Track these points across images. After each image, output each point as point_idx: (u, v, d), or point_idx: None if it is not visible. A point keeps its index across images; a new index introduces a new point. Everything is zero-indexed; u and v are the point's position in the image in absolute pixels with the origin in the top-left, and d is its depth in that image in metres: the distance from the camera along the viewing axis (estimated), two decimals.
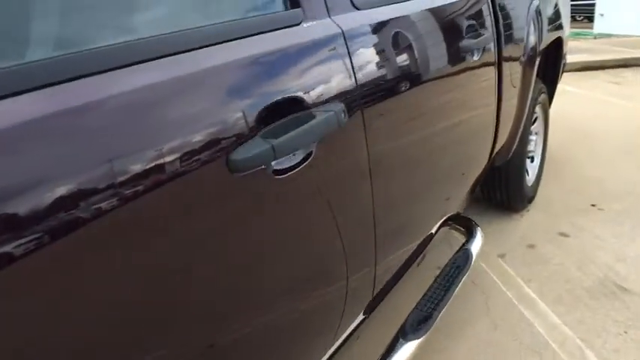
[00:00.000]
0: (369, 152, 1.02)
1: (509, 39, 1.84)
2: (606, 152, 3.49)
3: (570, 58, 6.69)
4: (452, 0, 1.45)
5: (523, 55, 2.00)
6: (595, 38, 8.82)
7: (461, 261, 1.65)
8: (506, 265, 2.25)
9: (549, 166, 3.10)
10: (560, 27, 2.57)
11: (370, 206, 1.07)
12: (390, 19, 1.17)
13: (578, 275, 2.14)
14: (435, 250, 1.85)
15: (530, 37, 2.06)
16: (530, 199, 2.70)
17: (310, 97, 0.84)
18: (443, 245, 2.16)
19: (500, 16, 1.73)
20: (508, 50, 1.82)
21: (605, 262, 2.23)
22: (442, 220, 1.78)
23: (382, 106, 1.09)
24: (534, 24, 2.12)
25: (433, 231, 1.74)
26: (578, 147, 3.62)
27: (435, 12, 1.36)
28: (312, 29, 0.91)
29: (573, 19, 12.66)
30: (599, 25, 9.12)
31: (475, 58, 1.52)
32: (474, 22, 1.54)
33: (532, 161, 2.75)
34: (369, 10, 1.10)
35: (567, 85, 5.32)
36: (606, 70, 6.32)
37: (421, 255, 1.67)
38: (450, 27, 1.44)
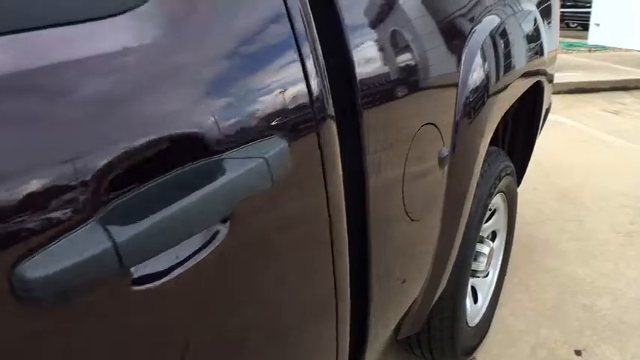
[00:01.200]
0: None
1: (394, 92, 0.75)
2: (602, 233, 2.43)
3: (561, 77, 5.64)
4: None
5: (450, 126, 0.91)
6: (590, 51, 7.81)
7: None
8: None
9: (516, 259, 2.05)
10: (540, 65, 1.48)
11: None
12: None
13: None
14: None
15: (471, 86, 0.97)
16: (473, 349, 1.62)
17: None
18: None
19: (351, 46, 0.63)
20: (388, 119, 0.73)
21: None
22: None
23: None
24: (486, 61, 1.03)
25: None
26: (560, 222, 2.55)
27: None
28: None
29: (567, 25, 11.64)
30: (594, 37, 8.03)
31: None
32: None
33: (486, 276, 1.68)
34: None
35: (554, 112, 4.27)
36: (603, 94, 5.29)
37: None
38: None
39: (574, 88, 5.26)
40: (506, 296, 1.88)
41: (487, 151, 1.30)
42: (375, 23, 0.69)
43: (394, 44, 0.73)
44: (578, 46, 8.22)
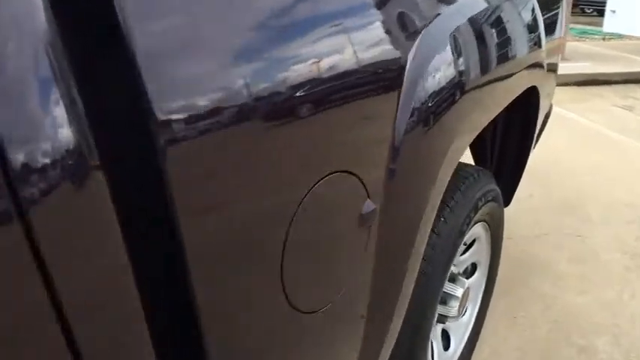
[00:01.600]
0: None
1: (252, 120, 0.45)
2: (605, 251, 2.13)
3: (571, 67, 5.26)
4: None
5: (381, 166, 0.61)
6: (604, 39, 7.39)
7: None
8: None
9: (505, 281, 1.77)
10: (537, 62, 1.16)
11: None
12: None
13: None
14: None
15: (423, 98, 0.66)
16: None
17: None
18: None
19: (141, 67, 0.34)
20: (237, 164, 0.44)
21: None
22: None
23: None
24: (453, 59, 0.73)
25: None
26: (559, 237, 2.25)
27: None
28: None
29: (582, 11, 11.12)
30: (609, 24, 7.58)
31: None
32: None
33: (463, 315, 1.39)
34: None
35: (560, 105, 3.93)
36: (615, 86, 4.92)
37: None
38: None
39: (583, 80, 4.89)
40: (489, 331, 1.60)
41: (459, 175, 1.01)
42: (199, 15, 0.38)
43: (241, 44, 0.42)
44: (592, 33, 7.79)
